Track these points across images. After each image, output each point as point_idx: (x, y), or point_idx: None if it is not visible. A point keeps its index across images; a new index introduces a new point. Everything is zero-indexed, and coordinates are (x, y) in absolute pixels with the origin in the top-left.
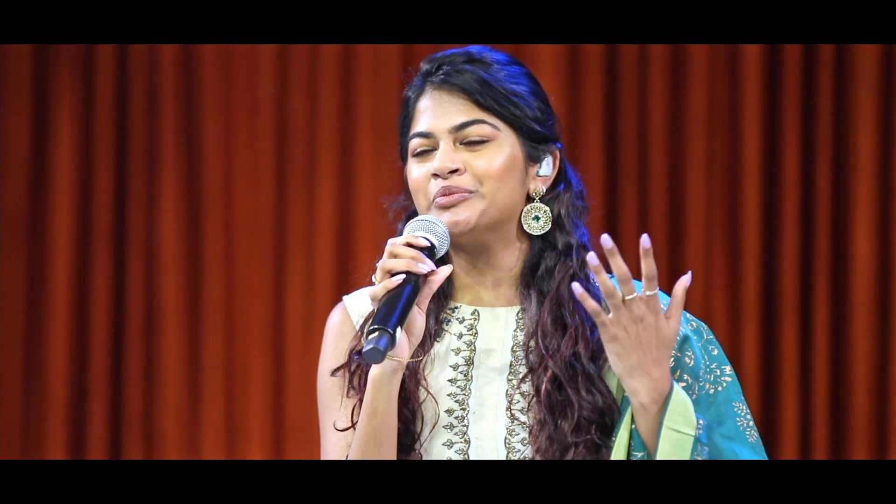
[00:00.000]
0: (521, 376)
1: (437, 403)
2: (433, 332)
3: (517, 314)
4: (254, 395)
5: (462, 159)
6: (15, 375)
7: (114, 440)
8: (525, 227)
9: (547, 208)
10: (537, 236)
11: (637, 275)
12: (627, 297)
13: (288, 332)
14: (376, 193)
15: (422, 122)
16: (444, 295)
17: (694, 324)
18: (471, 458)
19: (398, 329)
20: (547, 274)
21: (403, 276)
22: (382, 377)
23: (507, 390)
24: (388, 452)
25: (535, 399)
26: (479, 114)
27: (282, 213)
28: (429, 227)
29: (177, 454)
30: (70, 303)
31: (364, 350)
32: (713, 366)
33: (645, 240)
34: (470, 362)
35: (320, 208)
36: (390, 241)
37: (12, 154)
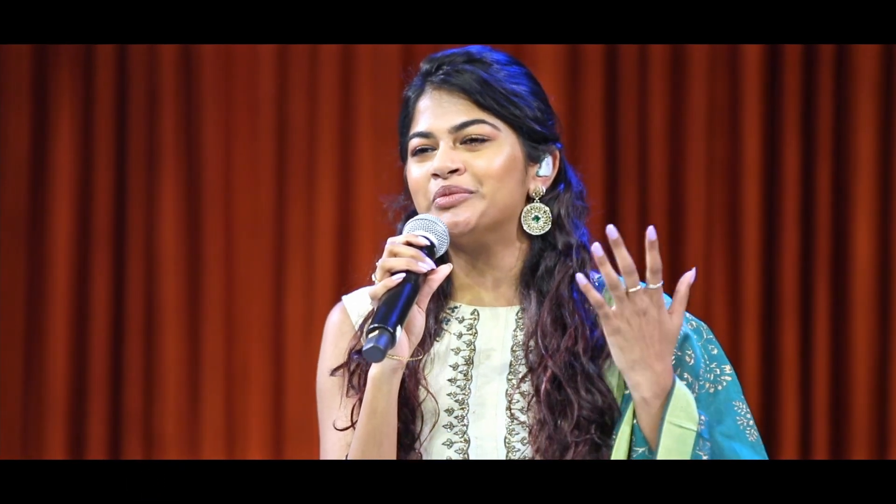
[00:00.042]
0: (520, 376)
1: (436, 403)
2: (433, 332)
3: (517, 314)
4: (254, 395)
5: (462, 159)
6: (15, 375)
7: (113, 440)
8: (525, 228)
9: (547, 208)
10: (537, 236)
11: (641, 267)
12: (631, 290)
13: (288, 332)
14: (376, 193)
15: (422, 122)
16: (444, 294)
17: (694, 323)
18: (471, 457)
19: (398, 328)
20: (547, 274)
21: (403, 274)
22: (382, 376)
23: (506, 390)
24: (388, 452)
25: (534, 399)
26: (478, 114)
27: (282, 213)
28: (428, 226)
29: (177, 454)
30: (70, 303)
31: (364, 348)
32: (713, 365)
33: (651, 232)
34: (470, 362)
35: (320, 208)
36: (390, 239)
37: (12, 154)
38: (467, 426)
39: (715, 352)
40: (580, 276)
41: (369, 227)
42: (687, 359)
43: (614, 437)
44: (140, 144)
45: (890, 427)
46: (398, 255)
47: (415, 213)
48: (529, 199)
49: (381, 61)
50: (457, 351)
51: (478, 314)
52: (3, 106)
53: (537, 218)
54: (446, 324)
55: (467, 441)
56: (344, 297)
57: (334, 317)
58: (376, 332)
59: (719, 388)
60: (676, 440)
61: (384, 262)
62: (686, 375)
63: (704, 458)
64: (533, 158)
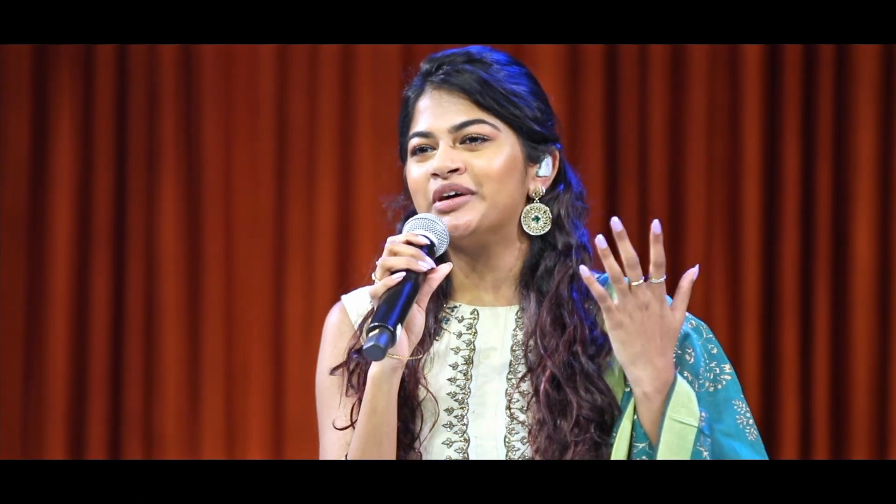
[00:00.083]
0: (520, 375)
1: (436, 402)
2: (432, 331)
3: (516, 313)
4: (254, 395)
5: (462, 159)
6: (15, 375)
7: (113, 440)
8: (525, 228)
9: (547, 209)
10: (537, 236)
11: (644, 262)
12: (634, 284)
13: (288, 332)
14: (376, 193)
15: (421, 122)
16: (443, 294)
17: (694, 322)
18: (470, 456)
19: (399, 326)
20: (546, 274)
21: (404, 273)
22: (382, 375)
23: (506, 389)
24: (388, 451)
25: (534, 399)
26: (478, 114)
27: (282, 213)
28: (428, 225)
29: (177, 454)
30: (70, 303)
31: (365, 347)
32: (713, 364)
33: (656, 225)
34: (469, 361)
35: (320, 208)
36: (390, 238)
37: (12, 154)
38: (467, 425)
39: (715, 351)
40: (583, 269)
41: (369, 227)
42: (687, 357)
43: (614, 434)
44: (140, 144)
45: (890, 427)
46: (398, 253)
47: (414, 212)
48: (529, 200)
49: (381, 61)
50: (456, 350)
51: (477, 314)
52: (3, 106)
53: (537, 218)
54: (446, 323)
55: (467, 440)
56: (343, 297)
57: (333, 316)
58: (377, 330)
59: (719, 387)
60: (677, 436)
61: (384, 260)
62: (686, 374)
63: (705, 453)
64: (533, 159)
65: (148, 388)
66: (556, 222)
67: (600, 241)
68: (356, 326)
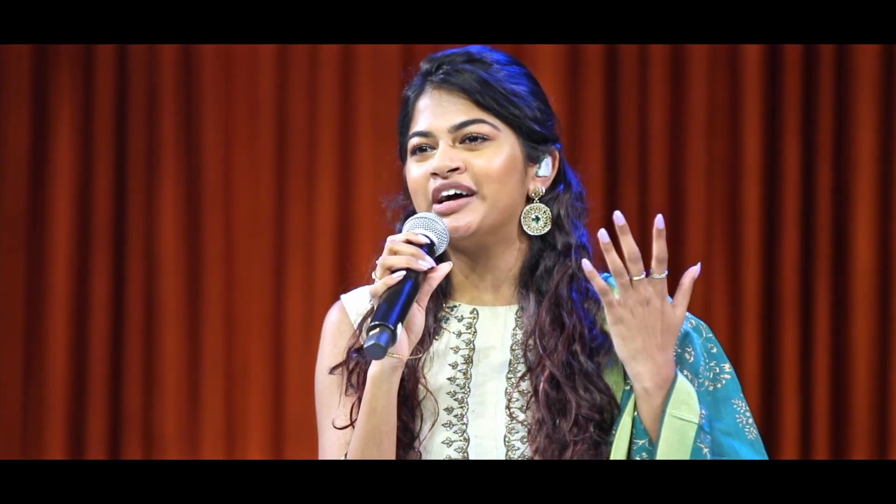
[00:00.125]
0: (520, 375)
1: (436, 402)
2: (432, 331)
3: (516, 313)
4: (253, 395)
5: (462, 158)
6: (15, 375)
7: (113, 440)
8: (525, 228)
9: (547, 209)
10: (536, 236)
11: (647, 259)
12: (635, 278)
13: (288, 332)
14: (376, 193)
15: (421, 122)
16: (443, 293)
17: (693, 322)
18: (470, 456)
19: (399, 325)
20: (546, 274)
21: (404, 272)
22: (382, 374)
23: (506, 388)
24: (388, 450)
25: (533, 398)
26: (478, 113)
27: (282, 213)
28: (428, 224)
29: (176, 454)
30: (70, 303)
31: (365, 346)
32: (712, 363)
33: (659, 220)
34: (469, 361)
35: (320, 208)
36: (390, 238)
37: (12, 154)
38: (467, 425)
39: (714, 350)
40: (586, 262)
41: (369, 227)
42: (687, 356)
43: (614, 432)
44: (140, 144)
45: (890, 427)
46: (398, 252)
47: (414, 212)
48: (529, 200)
49: (381, 61)
50: (456, 350)
51: (477, 313)
52: (3, 106)
53: (537, 218)
54: (445, 322)
55: (467, 440)
56: (342, 296)
57: (333, 316)
58: (377, 329)
59: (718, 386)
60: (677, 432)
61: (384, 259)
62: (686, 373)
63: (705, 450)
64: (532, 159)
65: (148, 388)
66: (556, 222)
67: (602, 234)
68: (355, 326)
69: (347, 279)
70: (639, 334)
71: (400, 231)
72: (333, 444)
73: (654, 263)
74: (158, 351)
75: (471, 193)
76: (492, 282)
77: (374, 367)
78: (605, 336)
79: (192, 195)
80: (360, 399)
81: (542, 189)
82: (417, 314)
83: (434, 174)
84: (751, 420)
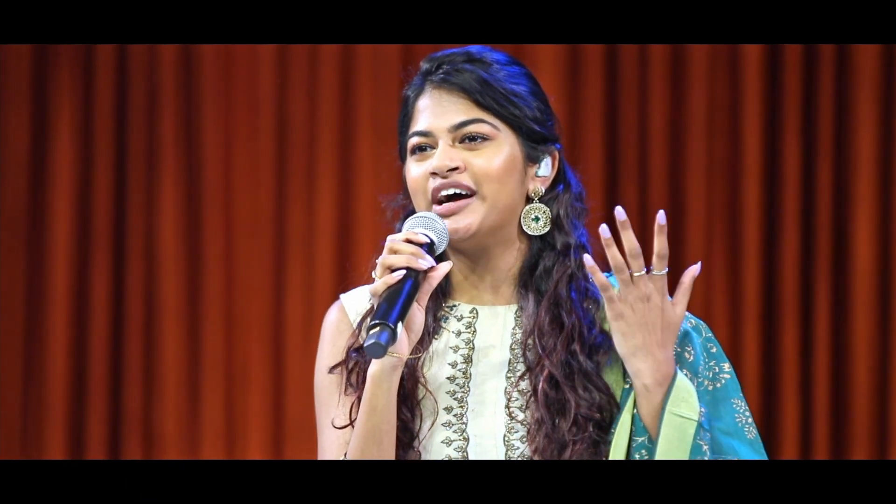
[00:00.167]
0: (519, 374)
1: (435, 401)
2: (431, 330)
3: (515, 312)
4: (253, 395)
5: (461, 158)
6: (15, 375)
7: (113, 440)
8: (525, 228)
9: (546, 209)
10: (536, 236)
11: (647, 256)
12: (636, 274)
13: (288, 332)
14: (376, 193)
15: (421, 121)
16: (442, 293)
17: (693, 321)
18: (470, 455)
19: (399, 324)
20: (545, 274)
21: (404, 271)
22: (382, 374)
23: (505, 388)
24: (388, 450)
25: (532, 398)
26: (478, 113)
27: (282, 213)
28: (428, 223)
29: (176, 454)
30: (70, 303)
31: (365, 344)
32: (712, 363)
33: (661, 216)
34: (469, 360)
35: (320, 208)
36: (390, 237)
37: (12, 154)
38: (466, 424)
39: (714, 350)
40: (587, 257)
41: (369, 227)
42: (686, 356)
43: (613, 430)
44: (140, 144)
45: (890, 427)
46: (398, 252)
47: (414, 211)
48: (529, 200)
49: (381, 61)
50: (456, 349)
51: (476, 312)
52: (3, 106)
53: (537, 218)
54: (445, 322)
55: (466, 439)
56: (342, 296)
57: (332, 315)
58: (377, 328)
59: (718, 385)
60: (677, 429)
61: (384, 258)
62: (685, 372)
63: (705, 448)
64: (532, 159)
65: (148, 388)
66: (556, 222)
67: (604, 229)
68: (355, 325)
69: (347, 279)
70: (639, 331)
71: (400, 230)
72: (333, 444)
73: (654, 260)
74: (158, 351)
75: (470, 193)
76: (491, 282)
77: (374, 367)
78: (605, 335)
79: (192, 195)
80: (359, 398)
81: (542, 189)
82: (417, 313)
83: (434, 174)
84: (750, 420)
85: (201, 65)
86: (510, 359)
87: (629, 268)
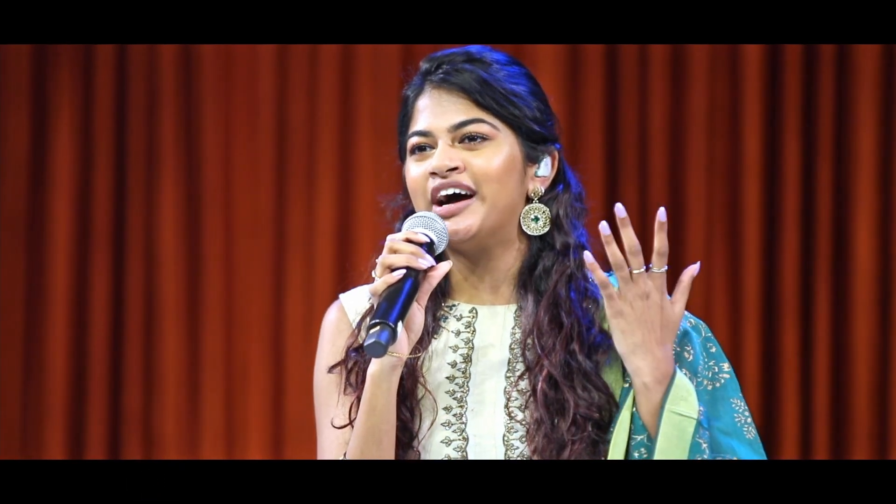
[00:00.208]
0: (518, 374)
1: (435, 401)
2: (431, 330)
3: (515, 312)
4: (253, 395)
5: (461, 158)
6: (14, 375)
7: (113, 440)
8: (524, 228)
9: (546, 209)
10: (535, 236)
11: (647, 253)
12: (635, 272)
13: (288, 332)
14: (376, 193)
15: (420, 121)
16: (442, 293)
17: (692, 321)
18: (469, 455)
19: (399, 324)
20: (544, 274)
21: (404, 271)
22: (381, 373)
23: (505, 387)
24: (387, 449)
25: (531, 398)
26: (478, 113)
27: (282, 213)
28: (428, 223)
29: (176, 454)
30: (70, 303)
31: (366, 344)
32: (711, 363)
33: (661, 213)
34: (468, 360)
35: (320, 208)
36: (390, 236)
37: (12, 154)
38: (466, 424)
39: (713, 349)
40: (587, 255)
41: (369, 227)
42: (686, 355)
43: (612, 428)
44: (140, 144)
45: (890, 427)
46: (398, 251)
47: (413, 211)
48: (528, 200)
49: (381, 61)
50: (455, 349)
51: (476, 312)
52: (3, 106)
53: (537, 219)
54: (444, 322)
55: (466, 439)
56: (341, 296)
57: (331, 315)
58: (377, 327)
59: (717, 385)
60: (676, 428)
61: (384, 258)
62: (685, 372)
63: (704, 446)
64: (532, 159)
65: (148, 387)
66: (555, 222)
67: (603, 227)
68: (354, 325)
69: (347, 279)
70: (638, 328)
71: (399, 230)
72: (332, 444)
73: (654, 257)
74: (158, 351)
75: (470, 193)
76: (491, 282)
77: (374, 366)
78: (604, 334)
79: (192, 195)
80: (358, 398)
81: (542, 189)
82: (417, 313)
83: (433, 174)
84: (749, 419)
85: (201, 65)
86: (509, 358)
87: (629, 265)
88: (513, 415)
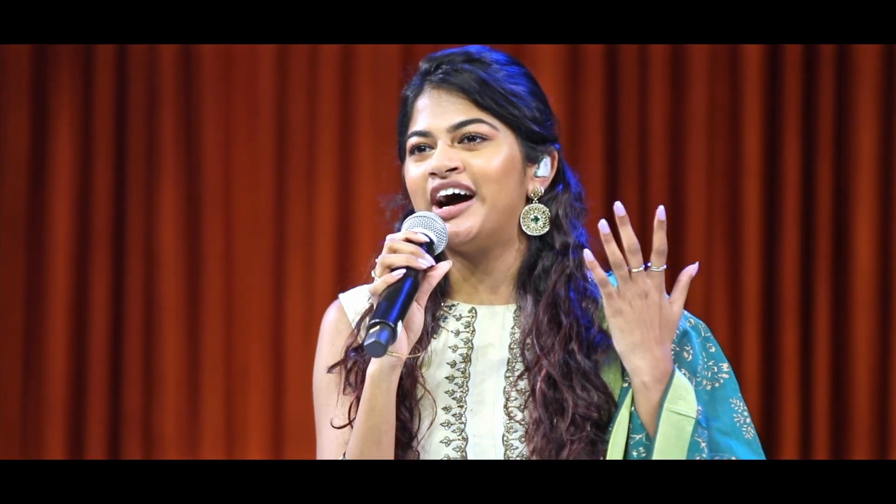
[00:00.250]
0: (518, 374)
1: (434, 401)
2: (430, 330)
3: (514, 312)
4: (253, 395)
5: (460, 158)
6: (14, 375)
7: (113, 440)
8: (524, 228)
9: (546, 209)
10: (535, 236)
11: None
12: (634, 270)
13: (288, 332)
14: (376, 193)
15: (420, 121)
16: (441, 293)
17: (692, 321)
18: (469, 455)
19: (399, 323)
20: (544, 273)
21: (403, 270)
22: (381, 373)
23: (504, 387)
24: (387, 449)
25: (530, 398)
26: (477, 113)
27: (282, 213)
28: (427, 223)
29: (176, 454)
30: (70, 303)
31: (365, 343)
32: (710, 363)
33: (661, 212)
34: (467, 359)
35: (320, 208)
36: (389, 236)
37: (12, 154)
38: (465, 424)
39: (713, 349)
40: (587, 252)
41: (369, 227)
42: (685, 355)
43: (611, 427)
44: (140, 144)
45: (890, 427)
46: (398, 251)
47: (413, 211)
48: (528, 200)
49: (381, 61)
50: (454, 349)
51: (475, 312)
52: (3, 106)
53: (536, 219)
54: (444, 322)
55: (465, 439)
56: (340, 295)
57: (331, 315)
58: (377, 327)
59: (717, 385)
60: (675, 427)
61: (384, 258)
62: (684, 372)
63: (703, 445)
64: (531, 159)
65: (148, 387)
66: (555, 222)
67: (603, 225)
68: (354, 325)
69: (347, 279)
70: (637, 327)
71: (399, 230)
72: (332, 444)
73: (653, 256)
74: (158, 351)
75: (470, 193)
76: (490, 282)
77: (373, 366)
78: (603, 334)
79: (192, 195)
80: (358, 398)
81: (541, 189)
82: (417, 313)
83: (432, 174)
84: (748, 419)
85: (201, 65)
86: (509, 358)
87: (627, 264)
88: (512, 415)
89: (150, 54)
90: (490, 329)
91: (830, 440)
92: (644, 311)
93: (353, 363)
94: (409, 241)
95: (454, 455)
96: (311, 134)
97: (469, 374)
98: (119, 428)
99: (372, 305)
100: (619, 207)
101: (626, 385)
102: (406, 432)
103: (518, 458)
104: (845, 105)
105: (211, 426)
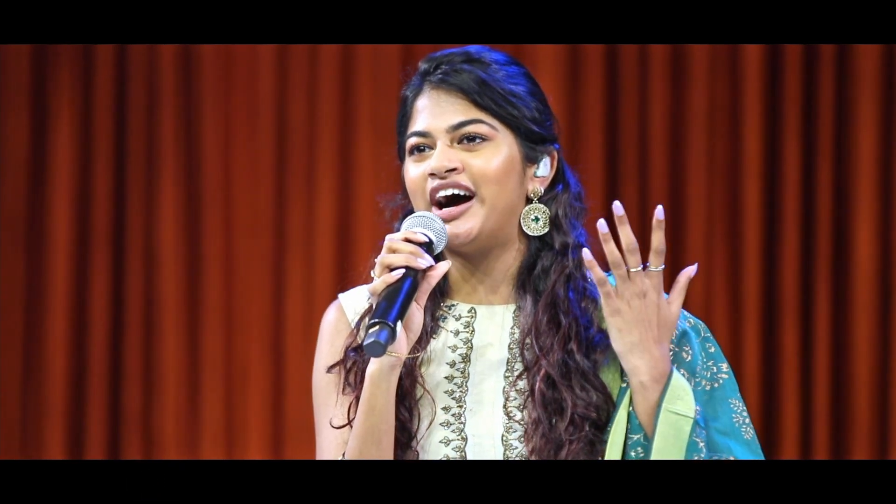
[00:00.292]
0: (517, 373)
1: (433, 401)
2: (429, 330)
3: (513, 312)
4: (253, 395)
5: (459, 158)
6: (14, 375)
7: (113, 440)
8: (524, 229)
9: (546, 209)
10: (535, 236)
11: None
12: (633, 270)
13: (288, 332)
14: (376, 193)
15: (419, 121)
16: (441, 293)
17: (691, 321)
18: (468, 455)
19: (398, 323)
20: (543, 273)
21: (403, 270)
22: (380, 373)
23: (503, 387)
24: (387, 449)
25: (529, 398)
26: (476, 113)
27: (282, 213)
28: (427, 223)
29: (176, 454)
30: (69, 303)
31: (365, 343)
32: (710, 363)
33: (659, 211)
34: (467, 359)
35: (320, 208)
36: (388, 236)
37: (12, 154)
38: (464, 424)
39: (712, 350)
40: (586, 252)
41: (369, 227)
42: (684, 355)
43: (609, 427)
44: (140, 144)
45: (890, 427)
46: (397, 251)
47: (412, 211)
48: (528, 200)
49: (381, 61)
50: (454, 349)
51: (475, 312)
52: (3, 106)
53: (536, 219)
54: (443, 321)
55: (464, 439)
56: (340, 295)
57: (330, 315)
58: (377, 326)
59: (716, 385)
60: (673, 426)
61: (383, 258)
62: (683, 372)
63: (701, 444)
64: (531, 159)
65: (148, 387)
66: (554, 222)
67: (602, 225)
68: (353, 325)
69: (347, 279)
70: (636, 327)
71: (398, 230)
72: (331, 444)
73: (651, 256)
74: (158, 351)
75: (469, 194)
76: (490, 282)
77: (373, 366)
78: (602, 334)
79: (192, 195)
80: (357, 398)
81: (541, 189)
82: (416, 312)
83: (432, 174)
84: (748, 420)
85: (201, 65)
86: (508, 358)
87: (626, 263)
88: (511, 414)
89: (150, 54)
90: (489, 329)
91: (830, 440)
92: (642, 311)
93: (353, 363)
94: (408, 241)
95: (453, 455)
96: (311, 134)
97: (468, 373)
98: (119, 428)
99: (371, 305)
100: (617, 207)
101: (624, 385)
102: (405, 432)
103: (517, 458)
104: (845, 105)
105: (211, 426)
